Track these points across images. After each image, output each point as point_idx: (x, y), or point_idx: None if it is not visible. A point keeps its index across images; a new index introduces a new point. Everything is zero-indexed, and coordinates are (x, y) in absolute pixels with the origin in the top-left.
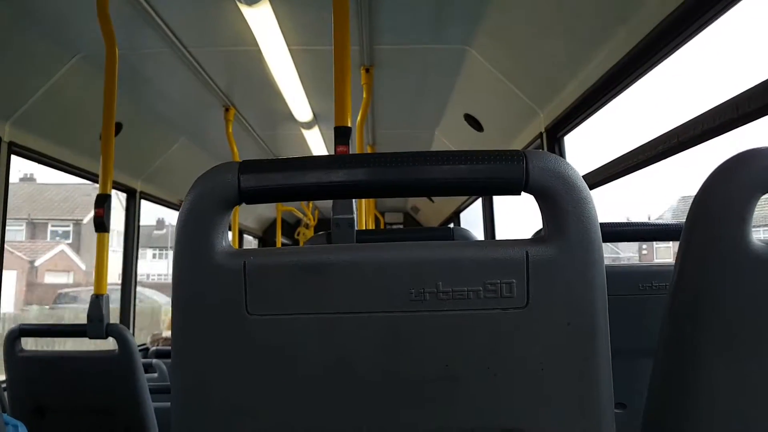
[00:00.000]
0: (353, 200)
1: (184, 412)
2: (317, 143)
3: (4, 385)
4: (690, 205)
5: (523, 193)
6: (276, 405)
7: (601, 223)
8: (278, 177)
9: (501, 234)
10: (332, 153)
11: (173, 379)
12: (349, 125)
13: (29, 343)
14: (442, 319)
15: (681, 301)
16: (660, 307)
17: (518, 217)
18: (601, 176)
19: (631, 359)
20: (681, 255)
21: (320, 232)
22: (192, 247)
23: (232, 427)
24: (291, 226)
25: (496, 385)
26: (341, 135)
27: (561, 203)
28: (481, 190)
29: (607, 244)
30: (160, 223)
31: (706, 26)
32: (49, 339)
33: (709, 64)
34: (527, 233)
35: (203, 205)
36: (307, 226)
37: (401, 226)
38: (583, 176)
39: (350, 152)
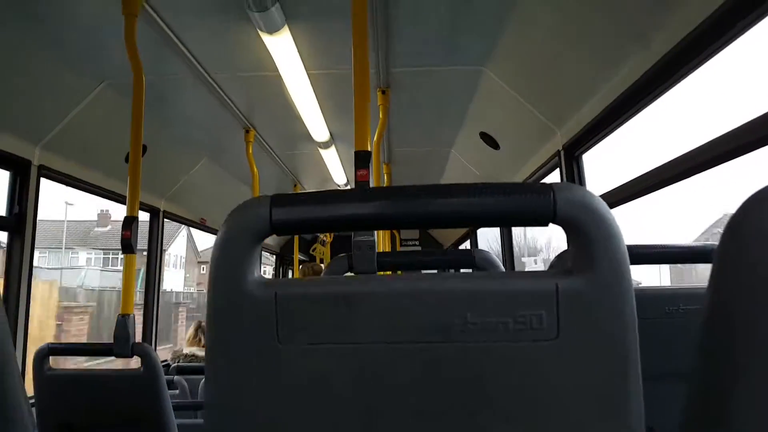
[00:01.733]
0: None
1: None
2: (334, 162)
3: (32, 402)
4: (724, 228)
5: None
6: (304, 431)
7: (627, 246)
8: (308, 210)
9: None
10: (350, 172)
11: (207, 402)
12: (369, 149)
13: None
14: (471, 351)
15: (715, 328)
16: (688, 329)
17: None
18: (622, 195)
19: (658, 383)
20: (715, 278)
21: (341, 255)
22: (226, 276)
23: None
24: (307, 243)
25: (527, 416)
26: (361, 159)
27: (589, 236)
28: (508, 222)
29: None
30: (104, 218)
31: (726, 45)
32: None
33: (731, 84)
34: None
35: (237, 237)
36: (323, 243)
37: (417, 242)
38: (602, 195)
39: (369, 173)
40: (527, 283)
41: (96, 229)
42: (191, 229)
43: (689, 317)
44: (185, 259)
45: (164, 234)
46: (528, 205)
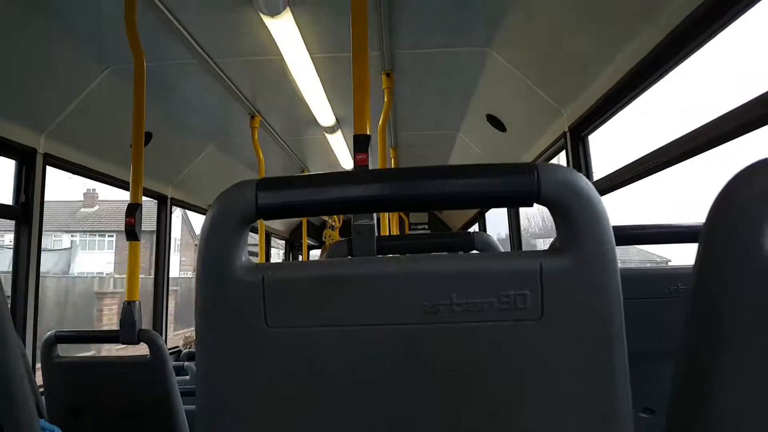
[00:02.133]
0: None
1: (208, 420)
2: (341, 147)
3: (41, 389)
4: (710, 206)
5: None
6: (294, 414)
7: (614, 226)
8: (294, 194)
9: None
10: (353, 158)
11: (198, 386)
12: (368, 133)
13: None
14: (456, 331)
15: (701, 306)
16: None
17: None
18: (624, 177)
19: (659, 363)
20: (699, 259)
21: (341, 239)
22: (213, 262)
23: None
24: (317, 228)
25: (512, 396)
26: (360, 143)
27: (573, 215)
28: (494, 203)
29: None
30: (90, 198)
31: (732, 22)
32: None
33: (736, 61)
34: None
35: (223, 223)
36: (332, 228)
37: (426, 226)
38: (604, 177)
39: (370, 157)
40: (512, 263)
41: (82, 209)
42: (187, 210)
43: (688, 297)
44: (180, 241)
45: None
46: (512, 185)
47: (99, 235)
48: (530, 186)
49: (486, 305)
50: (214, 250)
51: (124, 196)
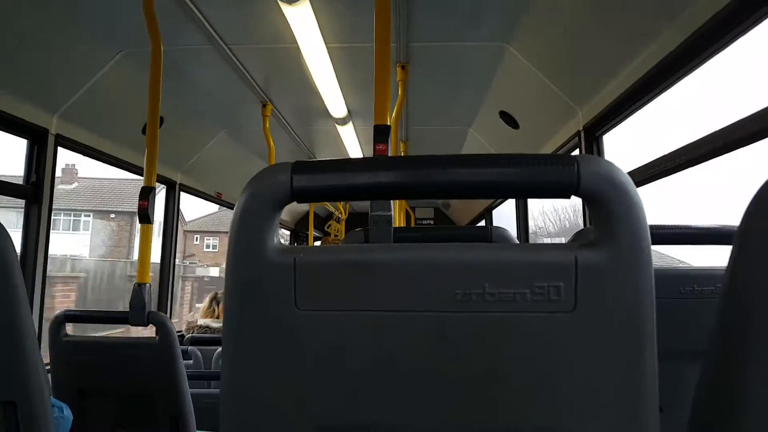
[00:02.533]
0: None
1: (233, 402)
2: (351, 139)
3: (48, 368)
4: (745, 208)
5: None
6: (321, 398)
7: (650, 225)
8: (328, 177)
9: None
10: (367, 149)
11: (224, 370)
12: (389, 123)
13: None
14: (488, 320)
15: (734, 308)
16: (702, 311)
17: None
18: (643, 176)
19: (670, 363)
20: (734, 259)
21: (357, 229)
22: (246, 242)
23: (277, 416)
24: (322, 219)
25: (541, 387)
26: (381, 133)
27: (611, 208)
28: (532, 193)
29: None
30: (69, 174)
31: (758, 24)
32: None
33: (762, 64)
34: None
35: (257, 204)
36: (338, 220)
37: (431, 222)
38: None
39: (387, 147)
40: (547, 255)
41: (60, 186)
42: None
43: (703, 298)
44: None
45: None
46: (552, 176)
47: (74, 215)
48: (570, 178)
49: (519, 296)
50: (248, 231)
51: (107, 173)
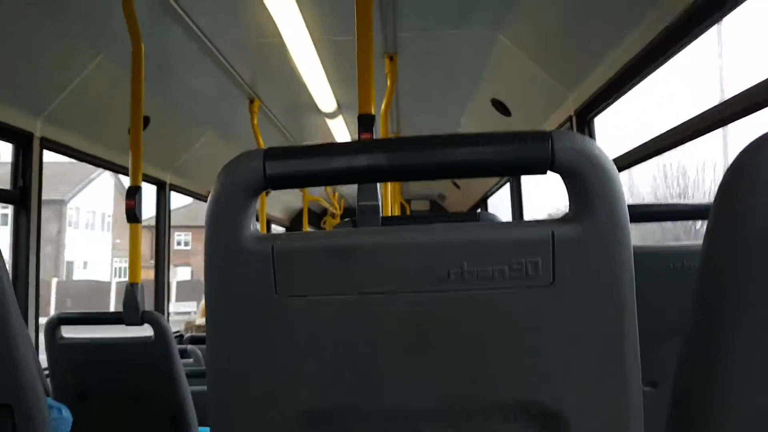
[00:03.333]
0: (378, 187)
1: (220, 392)
2: (341, 132)
3: (47, 371)
4: (720, 182)
5: (549, 172)
6: (305, 383)
7: (628, 205)
8: (302, 163)
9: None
10: (358, 138)
11: (208, 362)
12: (373, 113)
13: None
14: (467, 298)
15: (709, 280)
16: (691, 286)
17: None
18: (633, 158)
19: (664, 339)
20: (709, 232)
21: (345, 219)
22: (221, 233)
23: (263, 403)
24: (317, 216)
25: (522, 361)
26: (365, 122)
27: (587, 182)
28: (507, 170)
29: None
30: None
31: (738, 5)
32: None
33: (746, 44)
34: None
35: (230, 192)
36: (333, 216)
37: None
38: (614, 159)
39: (372, 137)
40: (524, 231)
41: None
42: (120, 176)
43: (693, 273)
44: (113, 218)
45: (68, 180)
46: (526, 152)
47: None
48: (544, 153)
49: (497, 273)
50: (222, 221)
51: (58, 159)
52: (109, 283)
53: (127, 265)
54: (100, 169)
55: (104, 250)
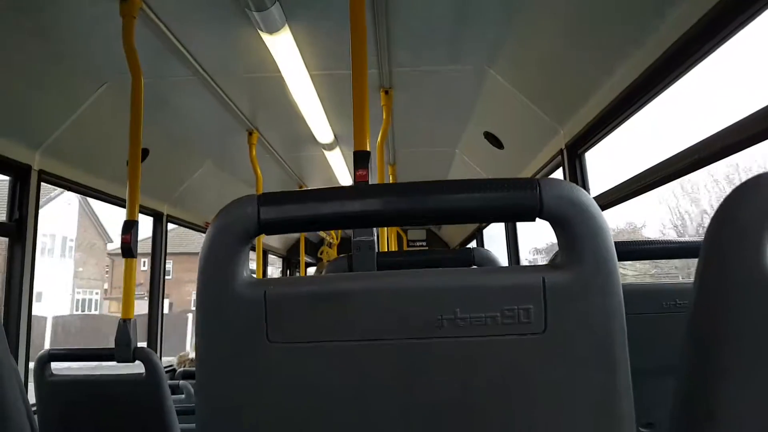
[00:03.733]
0: None
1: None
2: (339, 164)
3: (34, 409)
4: (709, 222)
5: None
6: (293, 429)
7: (617, 242)
8: (296, 209)
9: (529, 234)
10: (353, 174)
11: (198, 404)
12: (368, 149)
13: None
14: (460, 346)
15: (700, 324)
16: (683, 325)
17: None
18: (623, 193)
19: (657, 378)
20: (699, 277)
21: (341, 255)
22: (215, 277)
23: None
24: (314, 245)
25: (514, 410)
26: (360, 159)
27: (575, 230)
28: (495, 218)
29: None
30: None
31: (723, 43)
32: None
33: (730, 79)
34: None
35: (225, 237)
36: (330, 245)
37: (424, 243)
38: (603, 193)
39: (370, 174)
40: (515, 278)
41: None
42: (89, 199)
43: (686, 312)
44: (76, 242)
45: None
46: (514, 200)
47: None
48: (532, 201)
49: (489, 320)
50: (216, 265)
51: None
52: (70, 316)
53: (92, 296)
54: (61, 190)
55: (65, 279)
